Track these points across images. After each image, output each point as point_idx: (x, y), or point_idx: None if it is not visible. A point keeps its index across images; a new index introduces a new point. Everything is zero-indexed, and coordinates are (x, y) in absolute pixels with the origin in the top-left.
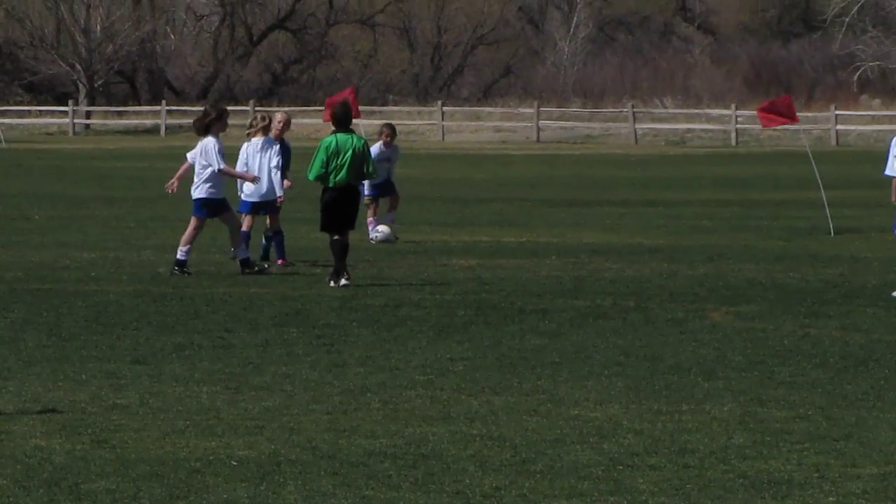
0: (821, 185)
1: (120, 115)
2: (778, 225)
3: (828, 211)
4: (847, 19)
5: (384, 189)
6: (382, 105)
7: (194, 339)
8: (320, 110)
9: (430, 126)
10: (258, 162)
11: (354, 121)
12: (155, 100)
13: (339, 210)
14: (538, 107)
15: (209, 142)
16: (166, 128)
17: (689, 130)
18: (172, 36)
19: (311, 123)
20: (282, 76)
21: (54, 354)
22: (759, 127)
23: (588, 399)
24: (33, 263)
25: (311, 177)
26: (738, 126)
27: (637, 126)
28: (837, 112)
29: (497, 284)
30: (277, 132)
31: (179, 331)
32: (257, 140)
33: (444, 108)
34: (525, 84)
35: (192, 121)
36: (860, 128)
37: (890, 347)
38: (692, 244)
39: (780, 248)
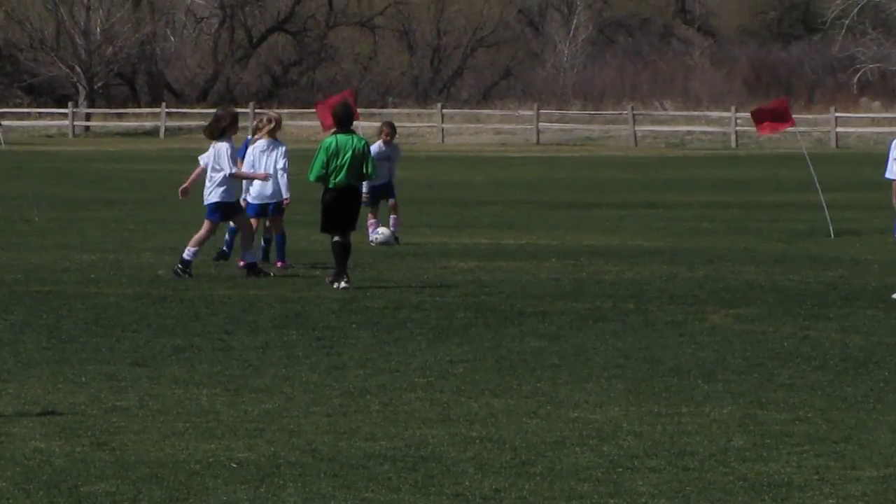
0: (819, 188)
1: (119, 117)
2: (778, 227)
3: (827, 213)
4: (847, 21)
5: (384, 191)
6: (382, 107)
7: (194, 341)
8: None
9: (429, 128)
10: (264, 163)
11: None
12: (154, 102)
13: (340, 211)
14: (538, 109)
15: (222, 146)
16: (166, 130)
17: (688, 133)
18: (172, 38)
19: (311, 126)
20: (281, 78)
21: (54, 356)
22: None
23: (588, 401)
24: (33, 265)
25: (311, 177)
26: (737, 128)
27: (637, 128)
28: (837, 114)
29: (497, 287)
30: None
31: (179, 333)
32: (263, 141)
33: (444, 111)
34: (525, 86)
35: (191, 123)
36: (860, 130)
37: (890, 350)
38: (692, 246)
39: (780, 251)
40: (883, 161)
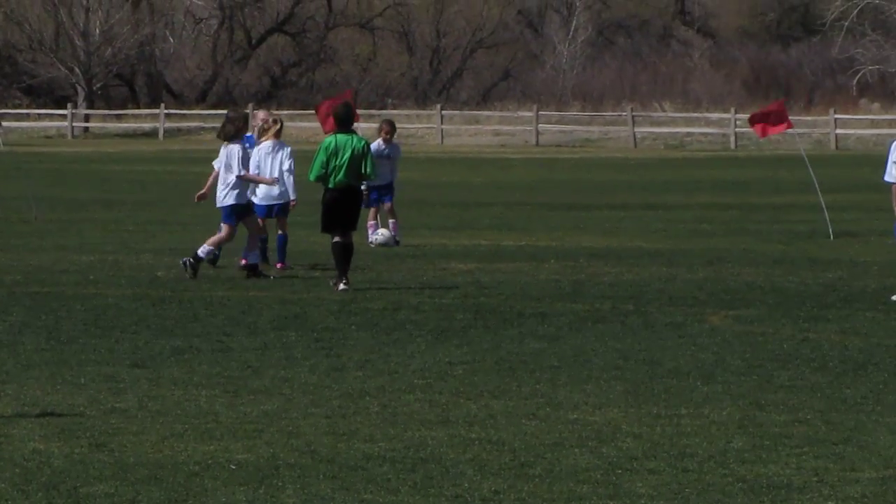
0: (818, 190)
1: (119, 118)
2: (777, 229)
3: (827, 215)
4: (846, 23)
5: (384, 191)
6: (381, 108)
7: (193, 342)
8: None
9: (428, 129)
10: (269, 165)
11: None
12: (154, 103)
13: (340, 211)
14: (537, 110)
15: (234, 148)
16: (165, 131)
17: (688, 134)
18: (171, 39)
19: (311, 127)
20: (281, 79)
21: (53, 358)
22: None
23: (587, 403)
24: (32, 267)
25: (311, 177)
26: (737, 130)
27: (636, 130)
28: (837, 116)
29: (496, 288)
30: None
31: (178, 334)
32: (268, 143)
33: (443, 112)
34: (524, 88)
35: (190, 124)
36: (859, 132)
37: (889, 351)
38: (691, 248)
39: (780, 252)
40: (882, 163)
